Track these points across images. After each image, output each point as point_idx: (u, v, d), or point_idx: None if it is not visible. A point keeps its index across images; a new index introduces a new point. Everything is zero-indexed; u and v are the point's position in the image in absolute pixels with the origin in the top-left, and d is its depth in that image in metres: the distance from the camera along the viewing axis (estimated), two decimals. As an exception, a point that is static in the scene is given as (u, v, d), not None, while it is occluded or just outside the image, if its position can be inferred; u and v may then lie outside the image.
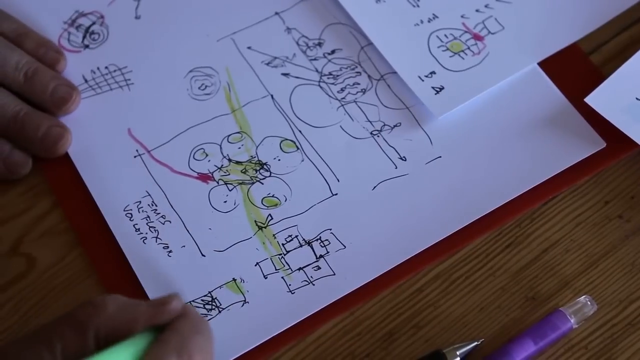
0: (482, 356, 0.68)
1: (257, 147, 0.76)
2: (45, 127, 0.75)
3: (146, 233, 0.73)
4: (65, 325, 0.57)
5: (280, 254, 0.72)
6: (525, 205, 0.73)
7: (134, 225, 0.73)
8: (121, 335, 0.57)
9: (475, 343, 0.68)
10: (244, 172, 0.75)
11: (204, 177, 0.75)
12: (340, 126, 0.76)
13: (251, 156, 0.75)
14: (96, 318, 0.57)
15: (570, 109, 0.75)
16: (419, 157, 0.75)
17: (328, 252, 0.72)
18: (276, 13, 0.81)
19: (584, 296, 0.68)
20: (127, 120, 0.77)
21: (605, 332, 0.68)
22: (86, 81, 0.79)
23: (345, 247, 0.72)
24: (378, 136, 0.76)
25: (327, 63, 0.79)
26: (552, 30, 0.78)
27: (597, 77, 0.76)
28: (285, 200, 0.74)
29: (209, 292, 0.70)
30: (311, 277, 0.71)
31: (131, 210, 0.74)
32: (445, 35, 0.79)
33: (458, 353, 0.67)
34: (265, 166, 0.75)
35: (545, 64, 0.77)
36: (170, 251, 0.72)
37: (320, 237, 0.72)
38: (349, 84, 0.78)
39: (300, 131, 0.76)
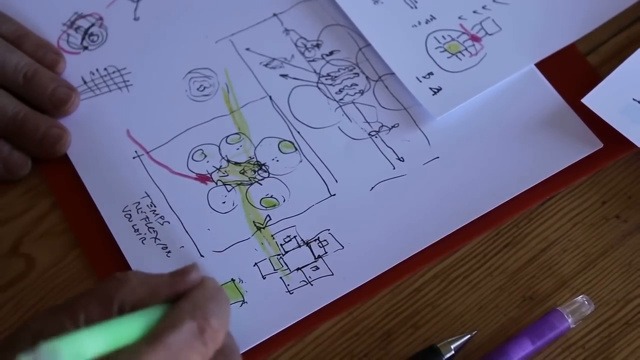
0: (479, 356, 0.68)
1: (255, 148, 0.76)
2: (44, 128, 0.75)
3: (145, 234, 0.73)
4: (89, 298, 0.59)
5: (279, 255, 0.72)
6: (522, 206, 0.73)
7: (132, 226, 0.73)
8: (145, 307, 0.58)
9: (469, 335, 0.68)
10: (243, 172, 0.75)
11: (203, 178, 0.75)
12: (339, 127, 0.77)
13: (250, 157, 0.76)
14: (120, 291, 0.59)
15: (567, 110, 0.76)
16: (416, 158, 0.75)
17: (326, 253, 0.72)
18: (274, 14, 0.81)
19: (581, 296, 0.68)
20: (126, 122, 0.78)
21: (603, 332, 0.69)
22: (85, 82, 0.79)
23: (343, 247, 0.72)
24: (376, 137, 0.76)
25: (325, 64, 0.79)
26: (550, 31, 0.79)
27: (594, 77, 0.76)
28: (284, 201, 0.74)
29: None
30: (309, 277, 0.71)
31: (130, 211, 0.74)
32: (443, 37, 0.79)
33: (452, 347, 0.67)
34: (263, 167, 0.75)
35: (542, 65, 0.78)
36: (169, 252, 0.72)
37: (318, 237, 0.72)
38: (347, 85, 0.78)
39: (298, 132, 0.76)
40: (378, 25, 0.80)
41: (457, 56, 0.78)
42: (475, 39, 0.79)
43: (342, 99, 0.78)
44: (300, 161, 0.75)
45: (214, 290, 0.60)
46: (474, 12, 0.80)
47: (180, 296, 0.60)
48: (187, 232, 0.73)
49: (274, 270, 0.71)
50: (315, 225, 0.73)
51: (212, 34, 0.81)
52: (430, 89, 0.77)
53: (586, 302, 0.68)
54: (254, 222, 0.73)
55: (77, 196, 0.75)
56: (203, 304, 0.59)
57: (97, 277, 0.72)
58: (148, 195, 0.74)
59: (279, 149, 0.76)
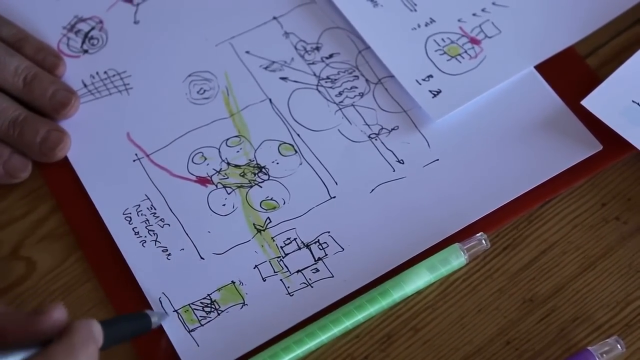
0: (481, 357, 0.68)
1: (255, 150, 0.76)
2: (44, 131, 0.75)
3: (145, 236, 0.73)
4: None
5: (279, 257, 0.72)
6: (522, 208, 0.73)
7: (133, 229, 0.73)
8: None
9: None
10: (243, 175, 0.75)
11: (203, 181, 0.75)
12: (338, 130, 0.77)
13: (250, 160, 0.76)
14: None
15: (566, 112, 0.76)
16: (416, 160, 0.75)
17: (326, 255, 0.72)
18: (274, 17, 0.82)
19: (613, 337, 0.67)
20: (126, 125, 0.78)
21: (602, 334, 0.69)
22: (85, 86, 0.79)
23: (343, 249, 0.72)
24: (376, 139, 0.76)
25: (325, 67, 0.79)
26: (549, 34, 0.79)
27: (593, 80, 0.77)
28: (284, 203, 0.74)
29: (208, 295, 0.71)
30: (310, 279, 0.71)
31: (130, 213, 0.74)
32: (443, 39, 0.79)
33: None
34: (263, 169, 0.75)
35: (542, 67, 0.78)
36: (169, 254, 0.72)
37: (318, 239, 0.72)
38: (346, 88, 0.78)
39: (298, 135, 0.77)
40: (377, 28, 0.80)
41: (456, 59, 0.78)
42: (474, 41, 0.79)
43: (342, 102, 0.78)
44: (300, 164, 0.75)
45: (75, 347, 0.53)
46: (474, 14, 0.80)
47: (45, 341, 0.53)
48: (187, 234, 0.73)
49: (274, 272, 0.71)
50: (315, 227, 0.73)
51: (212, 37, 0.81)
52: (430, 91, 0.77)
53: (619, 346, 0.67)
54: (254, 224, 0.73)
55: (77, 199, 0.75)
56: None
57: (98, 279, 0.72)
58: (148, 198, 0.75)
59: (279, 152, 0.76)
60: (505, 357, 0.68)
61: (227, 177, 0.75)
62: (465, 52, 0.79)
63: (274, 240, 0.72)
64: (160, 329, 0.70)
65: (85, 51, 0.81)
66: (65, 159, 0.76)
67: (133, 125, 0.78)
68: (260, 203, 0.74)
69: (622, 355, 0.67)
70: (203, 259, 0.72)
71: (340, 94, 0.78)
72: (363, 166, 0.75)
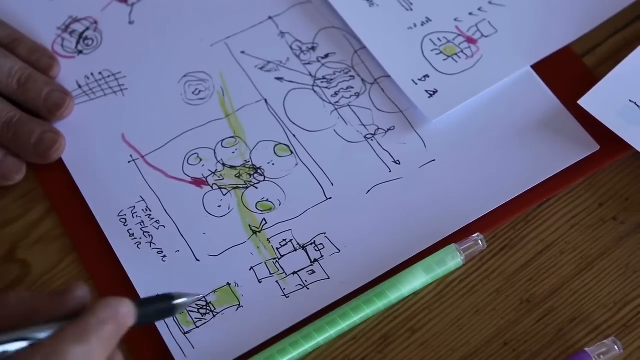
0: (480, 357, 0.68)
1: (251, 151, 0.76)
2: (38, 132, 0.75)
3: (140, 238, 0.73)
4: None
5: (275, 258, 0.72)
6: (519, 208, 0.73)
7: (128, 231, 0.73)
8: (24, 328, 0.55)
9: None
10: (238, 176, 0.75)
11: (198, 182, 0.75)
12: (334, 130, 0.76)
13: (245, 160, 0.76)
14: None
15: (563, 112, 0.76)
16: (413, 161, 0.75)
17: (322, 256, 0.72)
18: (270, 17, 0.81)
19: (611, 338, 0.67)
20: (121, 126, 0.77)
21: (600, 334, 0.68)
22: (80, 87, 0.79)
23: (339, 251, 0.72)
24: (372, 140, 0.76)
25: (320, 67, 0.79)
26: (546, 33, 0.79)
27: (590, 79, 0.76)
28: (280, 205, 0.74)
29: (204, 297, 0.70)
30: (306, 281, 0.71)
31: (125, 215, 0.74)
32: (439, 39, 0.79)
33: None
34: (259, 170, 0.75)
35: (538, 67, 0.77)
36: (164, 256, 0.72)
37: (314, 241, 0.72)
38: (342, 88, 0.78)
39: (294, 135, 0.76)
40: (373, 28, 0.80)
41: (453, 58, 0.78)
42: (471, 41, 0.79)
43: (337, 102, 0.77)
44: (296, 164, 0.75)
45: (86, 329, 0.54)
46: (470, 14, 0.80)
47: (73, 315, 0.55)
48: (182, 236, 0.73)
49: (270, 274, 0.71)
50: (311, 228, 0.72)
51: (207, 37, 0.81)
52: (426, 91, 0.77)
53: (616, 347, 0.67)
54: (249, 225, 0.73)
55: (72, 201, 0.75)
56: (62, 349, 0.53)
57: (93, 282, 0.72)
58: (143, 200, 0.74)
59: (275, 153, 0.76)
60: (502, 358, 0.68)
61: (223, 178, 0.75)
62: (462, 51, 0.78)
63: (269, 242, 0.72)
64: (156, 330, 0.70)
65: (80, 52, 0.81)
66: (60, 160, 0.76)
67: (128, 127, 0.77)
68: (256, 204, 0.74)
69: (620, 356, 0.67)
70: (198, 260, 0.72)
71: (336, 94, 0.78)
72: (359, 167, 0.75)
